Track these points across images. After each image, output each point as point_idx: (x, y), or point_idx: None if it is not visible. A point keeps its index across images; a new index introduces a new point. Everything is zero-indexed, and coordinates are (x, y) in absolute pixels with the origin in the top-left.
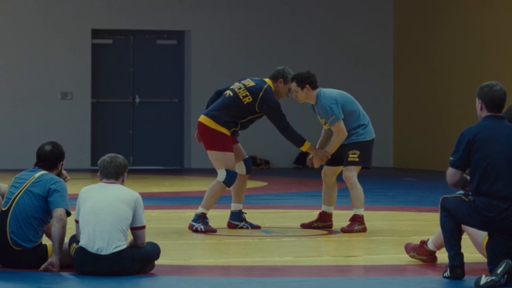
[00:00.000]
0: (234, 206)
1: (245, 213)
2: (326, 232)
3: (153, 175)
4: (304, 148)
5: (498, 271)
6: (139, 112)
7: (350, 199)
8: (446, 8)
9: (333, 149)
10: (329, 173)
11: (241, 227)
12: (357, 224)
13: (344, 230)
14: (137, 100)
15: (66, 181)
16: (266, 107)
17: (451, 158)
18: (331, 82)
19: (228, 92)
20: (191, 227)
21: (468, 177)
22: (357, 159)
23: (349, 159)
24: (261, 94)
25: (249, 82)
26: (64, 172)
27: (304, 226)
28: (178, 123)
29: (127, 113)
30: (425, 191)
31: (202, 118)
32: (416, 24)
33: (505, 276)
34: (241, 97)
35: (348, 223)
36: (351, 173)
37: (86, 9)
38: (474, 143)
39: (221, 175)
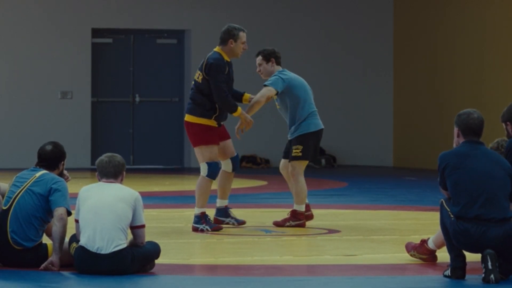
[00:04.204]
0: (220, 202)
1: (230, 209)
2: (326, 231)
3: (153, 174)
4: (237, 113)
5: (490, 266)
6: (139, 111)
7: (292, 194)
8: (446, 8)
9: (251, 111)
10: (285, 166)
11: (227, 223)
12: (292, 220)
13: (276, 224)
14: (137, 99)
15: (67, 181)
16: (209, 68)
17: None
18: (332, 82)
19: (193, 83)
20: (195, 229)
21: None
22: (300, 154)
23: (292, 154)
24: (204, 61)
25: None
26: (65, 172)
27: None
28: (178, 122)
29: (127, 112)
30: (426, 190)
31: (185, 116)
32: (416, 23)
33: (496, 264)
34: (196, 79)
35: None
36: (295, 169)
37: (86, 8)
38: (445, 170)
39: (204, 169)
